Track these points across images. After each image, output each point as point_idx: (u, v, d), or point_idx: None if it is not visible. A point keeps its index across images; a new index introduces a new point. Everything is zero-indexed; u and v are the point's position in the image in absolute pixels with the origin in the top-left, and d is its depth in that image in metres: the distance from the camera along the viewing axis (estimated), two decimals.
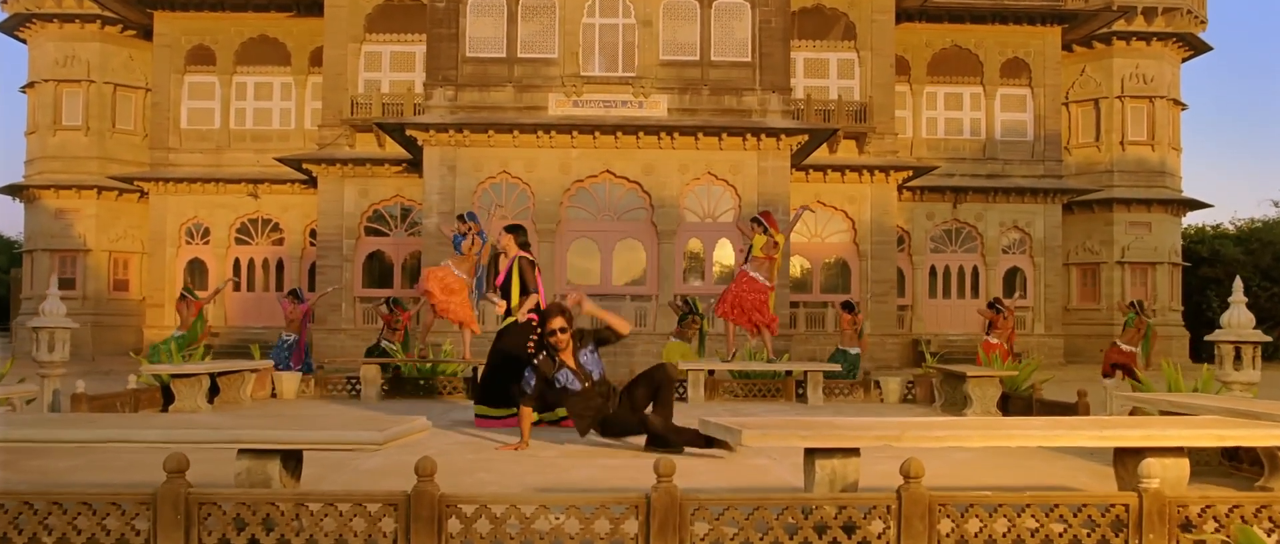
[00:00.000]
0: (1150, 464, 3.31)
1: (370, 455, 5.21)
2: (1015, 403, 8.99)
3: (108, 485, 4.20)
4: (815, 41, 27.24)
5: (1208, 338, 7.40)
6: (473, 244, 11.02)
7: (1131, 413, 6.83)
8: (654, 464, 3.43)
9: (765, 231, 11.05)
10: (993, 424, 3.99)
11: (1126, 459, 3.91)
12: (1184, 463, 3.90)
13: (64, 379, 8.44)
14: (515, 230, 8.05)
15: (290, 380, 10.68)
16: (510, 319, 7.78)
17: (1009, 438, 3.64)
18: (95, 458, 5.69)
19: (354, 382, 10.74)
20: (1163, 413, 5.85)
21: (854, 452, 3.63)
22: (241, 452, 3.61)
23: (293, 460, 3.74)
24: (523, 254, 7.90)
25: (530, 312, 7.61)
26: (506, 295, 7.83)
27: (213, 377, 9.64)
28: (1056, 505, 3.36)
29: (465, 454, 6.29)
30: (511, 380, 7.25)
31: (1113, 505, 3.34)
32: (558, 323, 6.40)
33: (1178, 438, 3.82)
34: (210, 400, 9.58)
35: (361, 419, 4.30)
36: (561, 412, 7.22)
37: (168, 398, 8.97)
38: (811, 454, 3.68)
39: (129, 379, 8.63)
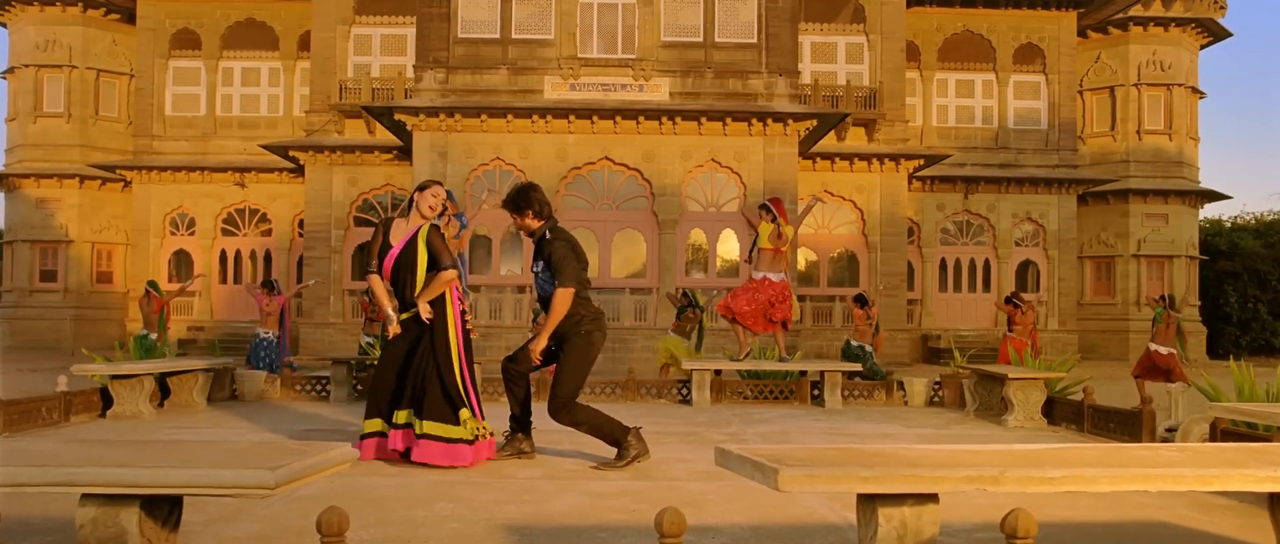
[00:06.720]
0: None
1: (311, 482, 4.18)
2: (1062, 408, 7.99)
3: None
4: (823, 24, 26.20)
5: None
6: (448, 224, 9.98)
7: (1213, 426, 5.84)
8: (656, 520, 2.45)
9: (773, 220, 10.02)
10: (1121, 457, 2.98)
11: None
12: None
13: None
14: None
15: (254, 380, 9.69)
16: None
17: (1150, 479, 2.66)
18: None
19: (324, 382, 9.75)
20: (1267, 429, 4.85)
21: (931, 497, 2.65)
22: (86, 497, 2.63)
23: (162, 507, 2.75)
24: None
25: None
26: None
27: (163, 377, 8.66)
28: None
29: (428, 475, 5.29)
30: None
31: None
32: None
33: None
34: (161, 403, 8.63)
35: (265, 448, 3.33)
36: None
37: (107, 402, 7.98)
38: (871, 499, 2.69)
39: (58, 381, 7.62)
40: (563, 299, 5.69)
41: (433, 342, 5.67)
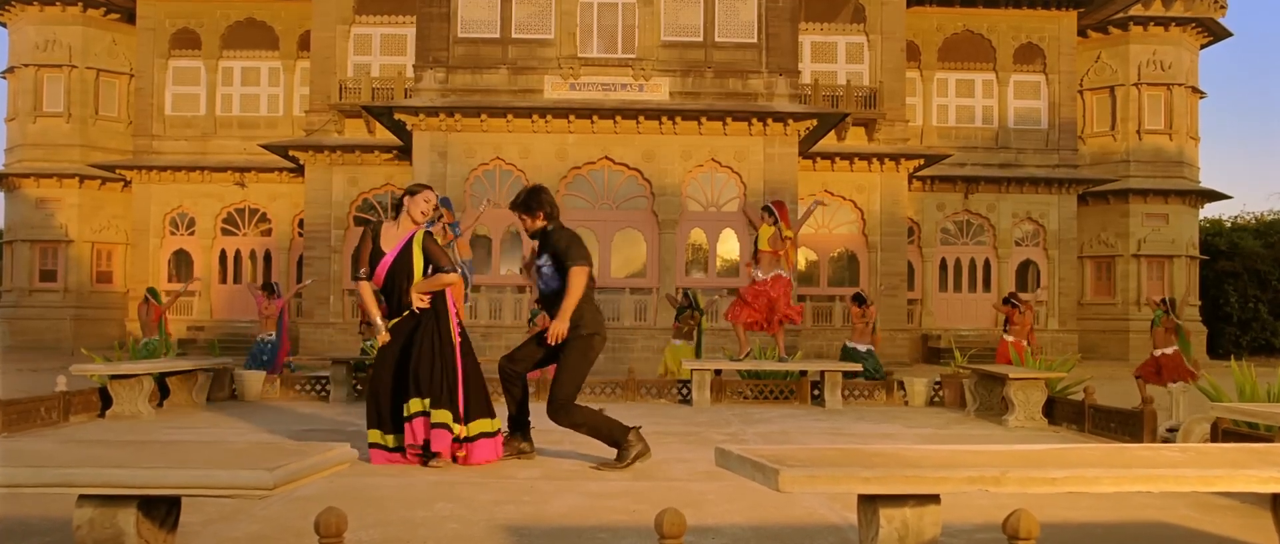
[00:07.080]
0: None
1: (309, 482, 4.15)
2: (1062, 408, 7.98)
3: None
4: (823, 24, 26.18)
5: None
6: (443, 234, 9.95)
7: (1215, 427, 5.83)
8: (656, 521, 2.44)
9: (775, 223, 9.99)
10: (1123, 458, 2.97)
11: None
12: None
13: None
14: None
15: (253, 380, 9.68)
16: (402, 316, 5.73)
17: (1153, 479, 2.65)
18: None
19: (323, 382, 9.74)
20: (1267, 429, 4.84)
21: (933, 498, 2.64)
22: (83, 498, 2.62)
23: (160, 507, 2.74)
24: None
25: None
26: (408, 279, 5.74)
27: (162, 378, 8.65)
28: None
29: (428, 475, 5.28)
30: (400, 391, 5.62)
31: None
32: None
33: None
34: (160, 404, 8.61)
35: (263, 448, 3.32)
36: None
37: (106, 402, 7.97)
38: (872, 500, 2.68)
39: (57, 381, 7.60)
40: (577, 276, 5.66)
41: (437, 338, 5.58)
